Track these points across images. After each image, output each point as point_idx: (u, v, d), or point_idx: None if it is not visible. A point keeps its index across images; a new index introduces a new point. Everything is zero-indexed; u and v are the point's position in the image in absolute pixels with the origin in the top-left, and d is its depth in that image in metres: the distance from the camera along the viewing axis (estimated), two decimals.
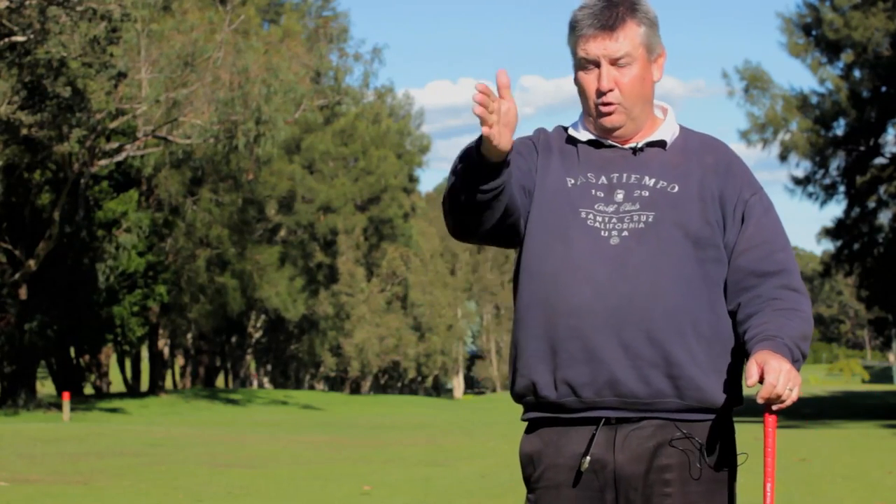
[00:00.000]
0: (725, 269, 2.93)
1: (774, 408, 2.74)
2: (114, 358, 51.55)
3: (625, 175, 2.95)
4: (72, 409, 30.24)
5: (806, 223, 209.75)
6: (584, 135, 3.02)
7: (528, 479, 2.99)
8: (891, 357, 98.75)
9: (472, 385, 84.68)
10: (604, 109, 2.93)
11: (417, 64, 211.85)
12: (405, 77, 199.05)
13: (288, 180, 51.30)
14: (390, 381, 71.17)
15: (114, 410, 34.64)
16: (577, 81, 2.98)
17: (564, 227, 2.91)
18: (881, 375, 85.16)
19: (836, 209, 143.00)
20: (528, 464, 2.98)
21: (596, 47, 2.91)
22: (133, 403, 37.92)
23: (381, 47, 47.09)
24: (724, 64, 76.69)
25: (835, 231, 42.89)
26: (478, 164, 2.78)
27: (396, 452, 18.12)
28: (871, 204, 41.88)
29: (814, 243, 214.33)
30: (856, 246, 42.37)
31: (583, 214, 2.92)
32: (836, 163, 41.80)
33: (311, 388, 65.85)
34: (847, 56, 39.31)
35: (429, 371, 69.13)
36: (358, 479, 13.07)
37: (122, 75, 29.76)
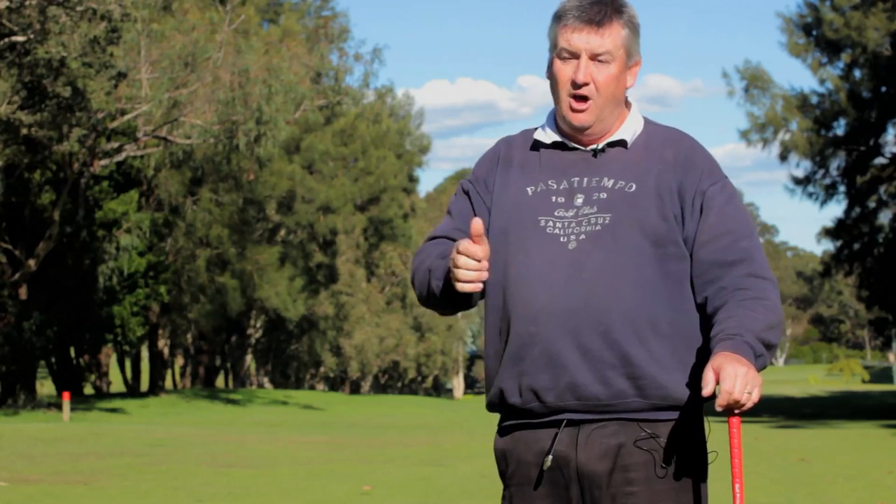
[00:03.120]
0: (688, 265, 2.93)
1: (736, 411, 2.72)
2: (114, 358, 51.54)
3: (585, 178, 2.97)
4: (72, 409, 30.23)
5: (806, 223, 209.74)
6: (549, 136, 3.04)
7: (502, 475, 3.04)
8: (891, 357, 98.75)
9: (471, 385, 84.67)
10: (575, 105, 2.95)
11: (415, 64, 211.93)
12: (403, 77, 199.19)
13: (288, 180, 51.28)
14: (390, 381, 71.14)
15: (114, 410, 34.63)
16: (551, 72, 2.99)
17: (525, 238, 2.94)
18: (881, 375, 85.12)
19: (836, 209, 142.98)
20: (502, 460, 3.03)
21: (580, 39, 2.93)
22: (133, 403, 37.91)
23: (381, 47, 47.01)
24: (724, 64, 76.61)
25: (835, 231, 42.88)
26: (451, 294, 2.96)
27: (396, 452, 18.12)
28: (872, 204, 41.87)
29: (814, 243, 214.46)
30: (856, 246, 42.36)
31: (542, 223, 2.94)
32: (836, 163, 41.81)
33: (311, 388, 65.82)
34: (847, 56, 39.31)
35: (429, 371, 69.12)
36: (358, 479, 13.08)
37: (122, 75, 29.76)
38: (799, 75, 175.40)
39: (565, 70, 2.95)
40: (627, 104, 3.07)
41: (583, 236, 2.90)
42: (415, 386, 74.13)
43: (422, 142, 65.06)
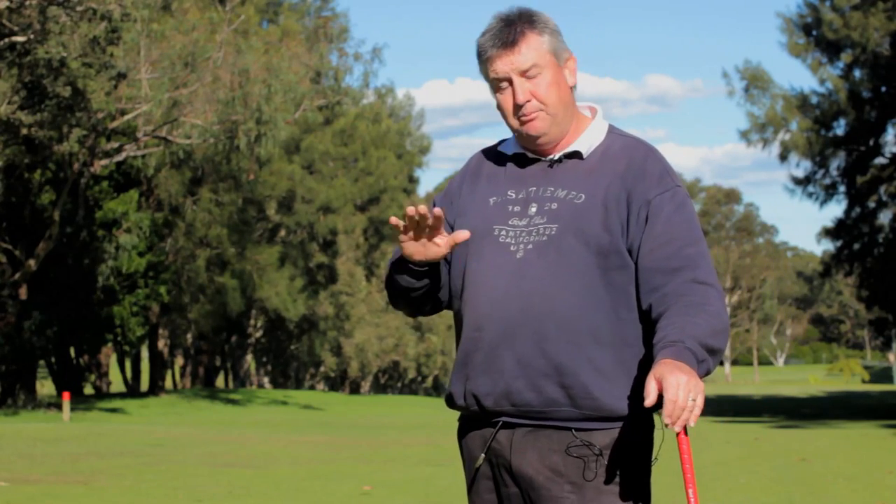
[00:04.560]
0: (632, 274, 2.95)
1: (680, 422, 2.69)
2: (114, 358, 51.54)
3: (541, 189, 3.03)
4: (72, 409, 30.23)
5: (806, 223, 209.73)
6: (512, 148, 3.12)
7: (464, 467, 3.16)
8: (891, 357, 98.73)
9: None
10: (525, 118, 3.00)
11: (414, 64, 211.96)
12: (402, 77, 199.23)
13: (288, 180, 51.28)
14: (390, 381, 71.13)
15: (114, 410, 34.63)
16: (497, 104, 3.06)
17: (481, 246, 3.02)
18: (881, 375, 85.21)
19: (836, 209, 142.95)
20: (461, 453, 3.15)
21: (502, 64, 2.99)
22: (133, 403, 37.91)
23: (380, 47, 46.93)
24: (723, 63, 76.80)
25: (835, 231, 42.89)
26: (402, 266, 3.07)
27: (396, 452, 18.12)
28: (872, 204, 41.87)
29: (814, 243, 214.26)
30: (856, 246, 42.37)
31: (496, 232, 3.02)
32: (836, 163, 41.83)
33: (312, 388, 65.83)
34: (847, 56, 39.31)
35: (429, 371, 69.11)
36: (358, 479, 13.07)
37: (122, 75, 29.75)
38: (799, 75, 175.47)
39: (506, 98, 3.02)
40: (592, 110, 3.12)
41: (530, 246, 2.97)
42: (415, 386, 74.10)
43: (422, 142, 65.06)
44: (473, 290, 3.01)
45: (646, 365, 2.92)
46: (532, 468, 2.94)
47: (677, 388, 2.67)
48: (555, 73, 3.00)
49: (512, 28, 2.99)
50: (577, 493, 2.91)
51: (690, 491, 2.79)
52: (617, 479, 2.92)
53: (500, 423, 2.98)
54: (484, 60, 3.02)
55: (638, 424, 2.95)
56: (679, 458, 2.78)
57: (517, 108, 2.99)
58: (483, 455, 3.00)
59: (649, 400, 2.69)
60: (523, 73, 2.98)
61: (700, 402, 2.70)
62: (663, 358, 2.74)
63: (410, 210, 2.92)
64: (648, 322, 2.93)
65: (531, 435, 2.95)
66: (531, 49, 2.98)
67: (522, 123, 3.00)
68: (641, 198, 2.96)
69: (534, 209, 3.01)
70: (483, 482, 3.05)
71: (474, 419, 3.04)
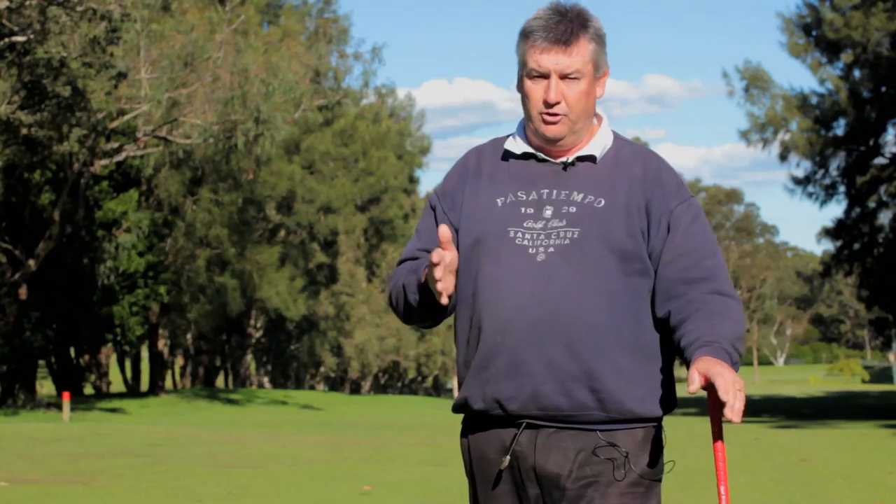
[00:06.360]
0: (651, 280, 2.98)
1: (738, 404, 2.72)
2: (114, 358, 51.56)
3: (554, 191, 3.01)
4: (72, 409, 30.23)
5: (806, 223, 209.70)
6: (520, 146, 3.08)
7: (468, 473, 3.11)
8: (891, 357, 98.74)
9: None
10: (548, 119, 2.98)
11: (413, 64, 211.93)
12: (401, 77, 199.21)
13: (288, 180, 51.28)
14: (390, 381, 71.13)
15: (114, 410, 34.63)
16: (521, 88, 3.03)
17: (495, 248, 2.98)
18: (881, 375, 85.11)
19: (836, 209, 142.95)
20: (467, 458, 3.10)
21: (549, 60, 2.96)
22: (133, 403, 37.91)
23: (380, 46, 46.88)
24: (722, 63, 76.86)
25: (835, 231, 42.90)
26: (426, 299, 3.01)
27: (396, 452, 18.11)
28: (872, 204, 41.89)
29: (814, 243, 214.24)
30: (856, 246, 42.38)
31: (511, 233, 2.99)
32: (836, 163, 41.83)
33: (311, 388, 65.82)
34: (847, 56, 39.30)
35: (429, 371, 69.10)
36: (358, 479, 13.07)
37: (122, 75, 29.75)
38: (799, 75, 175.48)
39: (536, 89, 2.99)
40: (598, 117, 3.11)
41: (551, 249, 2.95)
42: (415, 386, 74.10)
43: (422, 143, 65.08)
44: (492, 294, 2.96)
45: (662, 370, 2.98)
46: (557, 469, 2.93)
47: (726, 381, 2.72)
48: (588, 84, 2.99)
49: (568, 26, 2.97)
50: (601, 493, 2.92)
51: (722, 488, 2.86)
52: (638, 481, 2.95)
53: (524, 425, 2.95)
54: (529, 45, 2.98)
55: (657, 426, 3.00)
56: (713, 455, 2.86)
57: (546, 104, 2.97)
58: (508, 458, 2.96)
59: (693, 387, 2.74)
60: (563, 76, 2.97)
61: (742, 395, 2.73)
62: (702, 356, 2.78)
63: (436, 257, 2.86)
64: (664, 328, 2.97)
65: (555, 436, 2.94)
66: (580, 55, 2.97)
67: (544, 123, 2.99)
68: (662, 207, 2.98)
69: (549, 212, 2.98)
70: (502, 485, 3.02)
71: (490, 420, 3.01)
